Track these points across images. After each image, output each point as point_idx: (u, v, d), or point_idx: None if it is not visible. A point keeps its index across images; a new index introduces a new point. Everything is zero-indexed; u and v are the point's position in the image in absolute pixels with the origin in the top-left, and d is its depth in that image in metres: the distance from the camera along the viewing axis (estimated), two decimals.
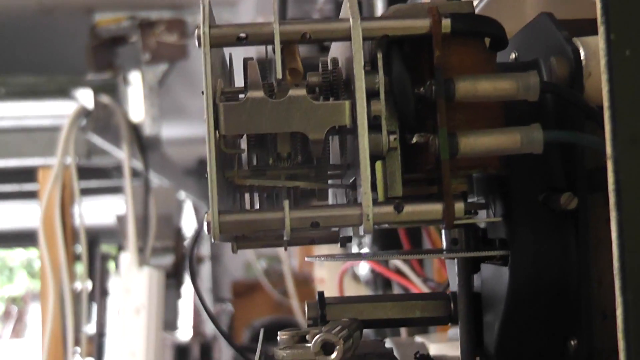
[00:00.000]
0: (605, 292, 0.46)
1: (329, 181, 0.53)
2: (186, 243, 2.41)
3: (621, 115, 0.39)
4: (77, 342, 2.11)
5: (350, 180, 0.47)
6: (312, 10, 1.57)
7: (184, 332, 2.65)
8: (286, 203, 0.42)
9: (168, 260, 2.30)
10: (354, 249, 1.34)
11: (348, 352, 0.48)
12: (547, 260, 0.47)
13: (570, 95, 0.45)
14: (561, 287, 0.47)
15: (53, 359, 2.19)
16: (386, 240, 1.17)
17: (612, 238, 0.39)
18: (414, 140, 0.44)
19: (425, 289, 0.96)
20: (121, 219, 2.23)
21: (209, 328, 3.13)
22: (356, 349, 0.50)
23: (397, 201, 0.43)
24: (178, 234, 2.37)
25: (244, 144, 0.49)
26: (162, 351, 2.06)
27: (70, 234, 2.18)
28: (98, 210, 3.35)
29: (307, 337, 0.50)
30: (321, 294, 0.57)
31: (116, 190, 3.25)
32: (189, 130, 3.81)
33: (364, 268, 1.31)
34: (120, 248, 2.29)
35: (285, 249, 0.57)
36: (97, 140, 2.09)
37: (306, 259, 0.54)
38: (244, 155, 0.49)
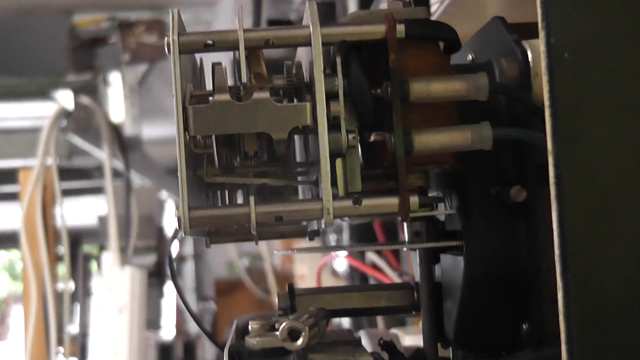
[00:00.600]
0: (554, 279, 0.49)
1: (299, 178, 0.56)
2: (168, 242, 2.43)
3: (561, 113, 0.42)
4: (60, 342, 2.13)
5: (314, 178, 0.50)
6: (289, 10, 1.59)
7: (168, 331, 2.67)
8: (252, 198, 0.45)
9: (150, 259, 2.32)
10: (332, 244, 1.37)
11: (314, 338, 0.51)
12: (499, 250, 0.50)
13: (517, 95, 0.48)
14: (513, 274, 0.50)
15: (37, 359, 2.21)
16: (363, 235, 1.20)
17: (554, 227, 0.42)
18: (372, 138, 0.46)
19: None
20: (103, 219, 2.25)
21: (193, 327, 3.15)
22: (322, 337, 0.53)
23: (356, 196, 0.46)
24: (160, 234, 2.39)
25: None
26: (145, 350, 2.08)
27: (52, 234, 2.19)
28: (79, 211, 3.36)
29: (275, 325, 0.53)
30: (291, 285, 0.60)
31: (97, 190, 3.26)
32: (169, 130, 3.83)
33: (341, 264, 1.34)
34: (102, 248, 2.30)
35: (256, 244, 0.60)
36: (78, 141, 2.11)
37: (275, 252, 0.57)
38: (216, 155, 0.52)
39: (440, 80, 0.47)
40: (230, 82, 0.48)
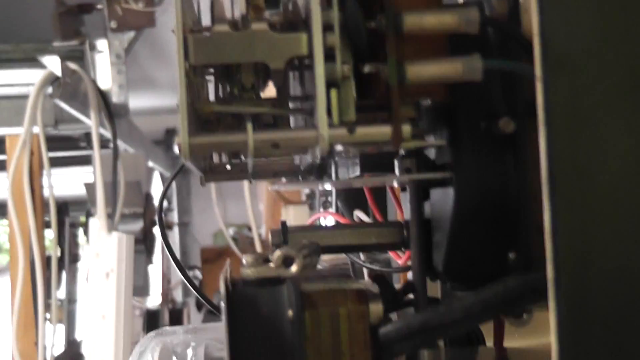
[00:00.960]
0: (540, 208, 0.51)
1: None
2: (156, 208, 2.44)
3: (549, 41, 0.43)
4: (47, 308, 2.14)
5: (309, 111, 0.51)
6: None
7: (154, 298, 2.69)
8: (249, 125, 0.46)
9: (137, 226, 2.33)
10: (320, 210, 1.39)
11: (307, 268, 0.53)
12: (488, 180, 0.51)
13: (507, 28, 0.49)
14: (501, 204, 0.52)
15: (24, 326, 2.22)
16: (351, 199, 1.22)
17: (541, 150, 0.44)
18: (366, 70, 0.48)
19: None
20: (89, 186, 2.26)
21: (179, 294, 3.17)
22: (314, 269, 0.55)
23: (350, 124, 0.47)
24: (147, 200, 2.40)
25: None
26: (132, 315, 2.09)
27: (39, 201, 2.20)
28: (65, 181, 3.36)
29: (269, 257, 0.54)
30: (284, 222, 0.61)
31: (83, 161, 3.26)
32: (156, 101, 3.83)
33: (330, 222, 1.36)
34: (89, 216, 2.31)
35: (250, 182, 0.61)
36: (65, 107, 2.11)
37: (269, 188, 0.58)
38: (212, 92, 0.53)
39: (432, 12, 0.48)
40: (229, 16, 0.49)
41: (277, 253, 0.51)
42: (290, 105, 0.53)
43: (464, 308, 0.49)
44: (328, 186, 0.59)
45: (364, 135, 0.47)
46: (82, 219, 2.52)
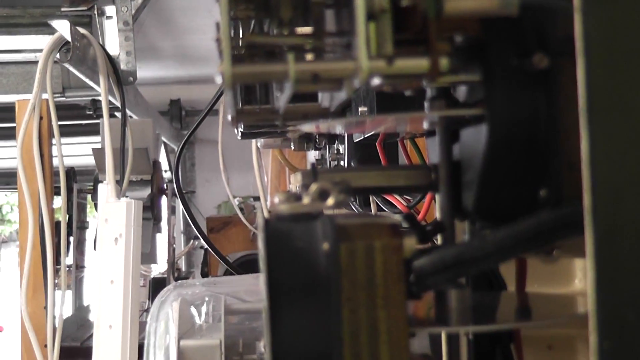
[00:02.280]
0: (571, 145, 0.51)
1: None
2: (164, 175, 2.45)
3: None
4: (56, 274, 2.15)
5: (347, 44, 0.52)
6: None
7: (161, 267, 2.70)
8: (291, 55, 0.47)
9: (144, 193, 2.34)
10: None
11: (340, 205, 0.54)
12: (521, 117, 0.52)
13: None
14: (533, 140, 0.52)
15: (33, 290, 2.24)
16: (364, 162, 1.23)
17: (578, 80, 0.44)
18: (405, 2, 0.48)
19: (403, 203, 1.01)
20: (97, 152, 2.26)
21: (184, 264, 3.18)
22: (345, 206, 0.56)
23: (389, 56, 0.48)
24: (155, 168, 2.40)
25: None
26: (139, 280, 2.10)
27: (48, 167, 2.21)
28: (72, 150, 3.37)
29: (301, 196, 0.55)
30: (314, 164, 0.62)
31: (90, 130, 3.26)
32: (161, 72, 3.83)
33: None
34: (97, 182, 2.32)
35: (280, 124, 0.62)
36: (74, 72, 2.11)
37: (297, 126, 0.59)
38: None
39: None
40: None
41: (314, 186, 0.52)
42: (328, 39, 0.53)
43: (497, 242, 0.50)
44: (354, 127, 0.59)
45: (402, 68, 0.48)
46: (90, 185, 2.53)
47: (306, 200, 0.53)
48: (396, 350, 0.51)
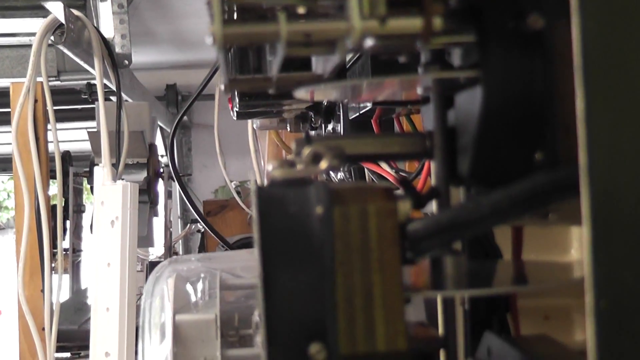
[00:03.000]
0: (567, 107, 0.51)
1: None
2: (160, 158, 2.45)
3: None
4: (53, 257, 2.15)
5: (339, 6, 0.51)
6: None
7: (157, 250, 2.70)
8: (282, 15, 0.46)
9: (141, 176, 2.33)
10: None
11: (333, 169, 0.53)
12: (516, 79, 0.51)
13: None
14: (529, 103, 0.52)
15: (30, 274, 2.24)
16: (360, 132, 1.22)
17: (573, 37, 0.44)
18: None
19: (396, 177, 1.01)
20: (93, 135, 2.26)
21: (182, 248, 3.18)
22: (339, 170, 0.55)
23: (382, 16, 0.47)
24: (151, 151, 2.40)
25: None
26: (136, 263, 2.10)
27: (43, 149, 2.20)
28: (67, 135, 3.36)
29: (295, 162, 0.55)
30: (307, 132, 0.62)
31: (84, 116, 3.25)
32: (157, 57, 3.81)
33: None
34: (92, 165, 2.31)
35: (272, 90, 0.61)
36: (69, 55, 2.10)
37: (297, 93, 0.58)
38: None
39: None
40: None
41: (307, 149, 0.51)
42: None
43: (492, 204, 0.50)
44: (350, 94, 0.58)
45: (395, 27, 0.47)
46: (86, 169, 2.52)
47: (299, 165, 0.52)
48: (391, 315, 0.50)
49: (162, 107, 3.59)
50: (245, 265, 0.99)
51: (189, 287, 0.97)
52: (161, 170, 2.40)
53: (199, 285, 0.96)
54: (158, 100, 3.76)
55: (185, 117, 4.15)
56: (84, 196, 2.71)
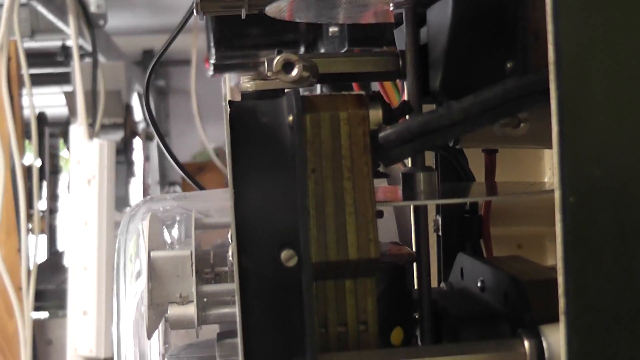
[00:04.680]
0: (537, 14, 0.51)
1: None
2: (136, 119, 2.43)
3: None
4: (29, 219, 2.14)
5: None
6: None
7: None
8: None
9: (117, 136, 2.32)
10: None
11: (306, 80, 0.53)
12: None
13: None
14: (498, 11, 0.52)
15: (6, 233, 2.22)
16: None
17: None
18: None
19: None
20: (69, 95, 2.24)
21: None
22: (311, 85, 0.55)
23: None
24: (127, 111, 2.38)
25: None
26: (113, 221, 2.09)
27: (18, 109, 2.18)
28: (43, 101, 3.32)
29: (267, 74, 0.54)
30: (280, 49, 0.61)
31: (60, 80, 3.22)
32: (133, 21, 3.78)
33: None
34: (68, 124, 2.29)
35: (246, 11, 0.61)
36: (42, 11, 2.08)
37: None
38: None
39: None
40: None
41: (277, 58, 0.51)
42: None
43: (464, 109, 0.50)
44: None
45: None
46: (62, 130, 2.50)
47: (269, 73, 0.52)
48: (363, 222, 0.50)
49: (139, 73, 3.56)
50: (220, 207, 0.99)
51: (164, 230, 0.97)
52: (138, 130, 2.39)
53: (174, 230, 0.96)
54: (135, 66, 3.74)
55: (161, 83, 4.12)
56: (60, 154, 2.69)
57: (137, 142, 2.44)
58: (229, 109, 0.51)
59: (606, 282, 0.42)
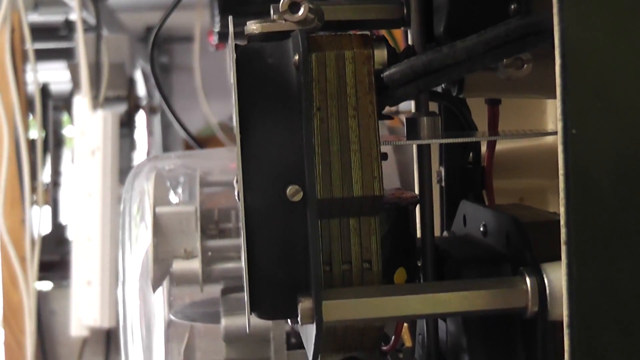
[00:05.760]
0: None
1: None
2: (139, 93, 2.44)
3: None
4: (33, 191, 2.15)
5: None
6: None
7: None
8: None
9: (121, 109, 2.32)
10: None
11: (312, 22, 0.54)
12: None
13: None
14: None
15: (10, 208, 2.23)
16: None
17: None
18: None
19: None
20: (73, 67, 2.24)
21: None
22: (318, 29, 0.55)
23: None
24: (131, 84, 2.39)
25: None
26: (117, 192, 2.10)
27: (21, 81, 2.18)
28: (46, 77, 3.32)
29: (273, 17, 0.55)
30: None
31: (63, 55, 3.22)
32: None
33: None
34: (72, 96, 2.30)
35: None
36: None
37: None
38: None
39: None
40: None
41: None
42: None
43: (467, 48, 0.50)
44: None
45: None
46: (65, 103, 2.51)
47: (276, 16, 0.53)
48: (367, 160, 0.51)
49: (143, 49, 3.56)
50: (225, 168, 1.00)
51: (170, 189, 0.98)
52: (142, 104, 2.40)
53: (179, 190, 0.97)
54: (142, 42, 3.73)
55: (165, 60, 4.12)
56: (63, 126, 2.69)
57: (141, 117, 2.45)
58: (234, 54, 0.52)
59: (606, 211, 0.43)
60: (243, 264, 0.51)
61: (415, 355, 0.67)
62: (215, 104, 3.15)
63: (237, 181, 0.52)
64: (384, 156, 0.54)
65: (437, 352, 0.59)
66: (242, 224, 0.51)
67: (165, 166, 0.94)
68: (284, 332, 0.85)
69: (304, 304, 0.50)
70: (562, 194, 0.44)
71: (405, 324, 0.79)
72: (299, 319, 0.50)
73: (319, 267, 0.50)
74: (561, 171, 0.44)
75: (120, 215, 0.95)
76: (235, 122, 0.52)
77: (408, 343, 0.75)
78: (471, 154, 0.71)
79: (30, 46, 2.08)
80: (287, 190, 0.50)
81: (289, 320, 0.58)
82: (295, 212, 0.50)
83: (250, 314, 0.53)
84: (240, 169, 0.51)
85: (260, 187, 0.51)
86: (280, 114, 0.51)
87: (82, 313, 2.03)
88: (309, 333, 0.53)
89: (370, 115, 0.51)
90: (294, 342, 0.88)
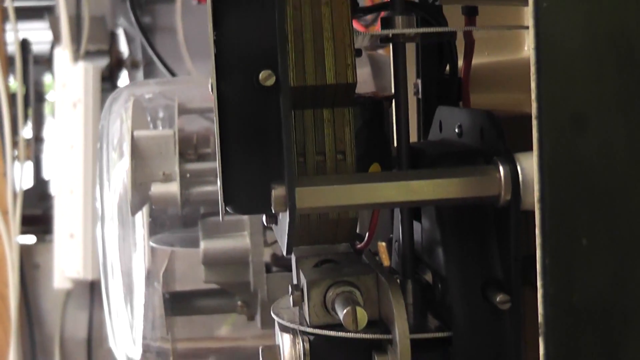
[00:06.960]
0: None
1: None
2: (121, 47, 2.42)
3: None
4: (15, 145, 2.13)
5: None
6: None
7: None
8: None
9: (102, 63, 2.30)
10: None
11: None
12: None
13: None
14: None
15: None
16: None
17: None
18: None
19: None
20: (53, 20, 2.22)
21: None
22: None
23: None
24: (112, 39, 2.37)
25: None
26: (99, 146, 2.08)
27: (1, 38, 2.16)
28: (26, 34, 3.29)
29: None
30: None
31: (45, 12, 3.19)
32: None
33: None
34: (53, 48, 2.28)
35: None
36: None
37: None
38: None
39: None
40: None
41: None
42: None
43: None
44: None
45: None
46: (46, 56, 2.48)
47: None
48: (340, 48, 0.51)
49: (124, 8, 3.53)
50: (205, 97, 0.99)
51: (147, 117, 0.97)
52: (124, 59, 2.38)
53: (159, 106, 0.97)
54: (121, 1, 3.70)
55: (147, 20, 4.08)
56: (44, 81, 2.67)
57: (123, 76, 2.42)
58: None
59: (577, 83, 0.43)
60: (217, 151, 0.51)
61: (392, 264, 0.67)
62: (200, 63, 3.13)
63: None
64: (358, 52, 0.54)
65: (412, 253, 0.60)
66: (215, 113, 0.51)
67: (144, 94, 0.94)
68: (262, 255, 0.86)
69: (277, 191, 0.50)
70: (532, 69, 0.44)
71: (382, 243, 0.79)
72: (272, 207, 0.50)
73: (291, 152, 0.50)
74: (532, 45, 0.44)
75: (98, 140, 0.94)
76: (208, 9, 0.51)
77: (386, 263, 0.75)
78: (448, 66, 0.71)
79: (10, 3, 2.06)
80: (260, 75, 0.49)
81: (264, 219, 0.58)
82: (269, 98, 0.50)
83: (225, 209, 0.53)
84: (213, 56, 0.50)
85: (234, 74, 0.50)
86: (253, 1, 0.51)
87: (65, 266, 2.03)
88: (282, 224, 0.53)
89: (343, 3, 0.51)
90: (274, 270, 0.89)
